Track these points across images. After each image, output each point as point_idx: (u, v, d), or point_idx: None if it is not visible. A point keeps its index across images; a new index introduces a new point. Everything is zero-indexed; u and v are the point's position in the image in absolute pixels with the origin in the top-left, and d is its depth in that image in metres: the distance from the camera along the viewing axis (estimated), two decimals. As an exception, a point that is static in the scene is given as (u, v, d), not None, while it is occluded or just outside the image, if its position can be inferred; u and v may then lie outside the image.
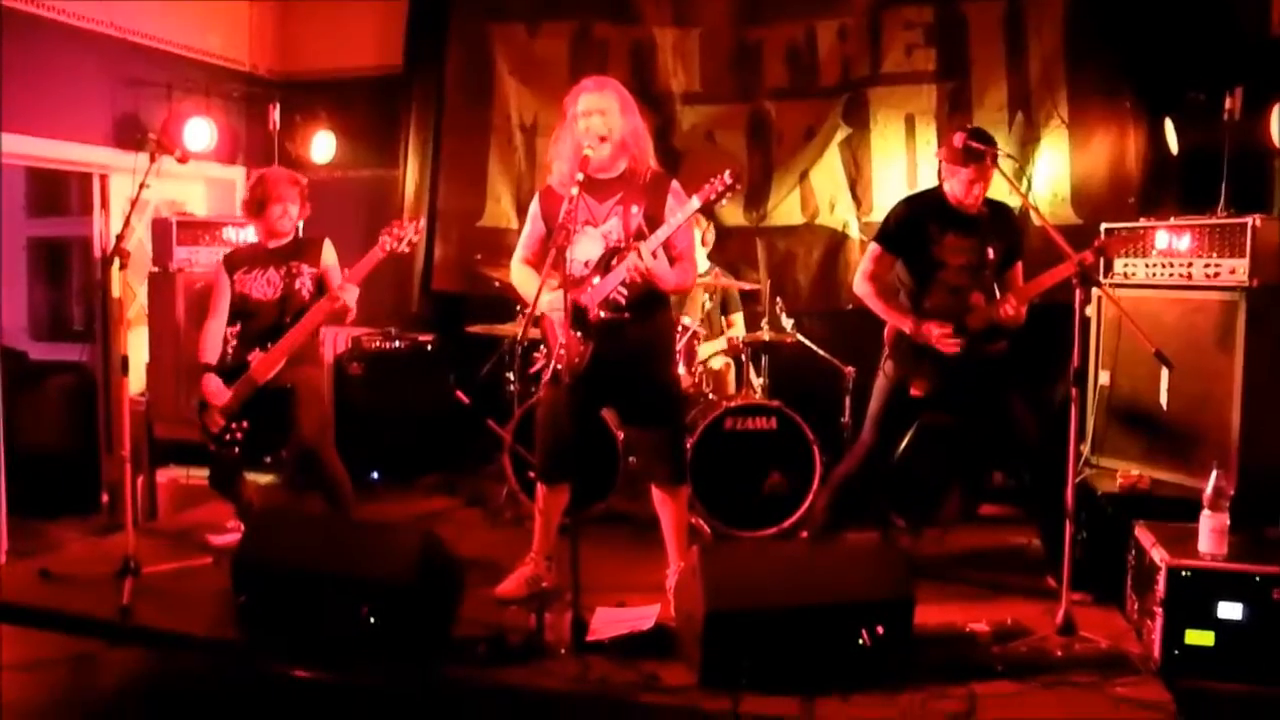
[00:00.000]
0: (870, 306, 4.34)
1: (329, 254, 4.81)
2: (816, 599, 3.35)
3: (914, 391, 4.24)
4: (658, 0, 6.41)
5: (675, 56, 6.40)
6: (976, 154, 4.08)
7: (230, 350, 4.69)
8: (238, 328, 4.71)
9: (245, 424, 4.59)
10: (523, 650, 3.54)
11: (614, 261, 3.81)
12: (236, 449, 4.63)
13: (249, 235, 5.89)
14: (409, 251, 4.61)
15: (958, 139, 4.12)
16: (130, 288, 6.14)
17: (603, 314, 3.81)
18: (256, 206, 4.71)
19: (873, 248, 4.38)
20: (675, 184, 3.96)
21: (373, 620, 3.47)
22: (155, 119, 6.15)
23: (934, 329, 4.15)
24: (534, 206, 4.10)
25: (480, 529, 5.27)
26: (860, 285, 4.35)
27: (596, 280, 3.85)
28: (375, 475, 5.97)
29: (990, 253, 4.18)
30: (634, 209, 3.83)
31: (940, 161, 4.31)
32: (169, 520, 5.62)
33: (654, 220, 3.83)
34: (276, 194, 4.68)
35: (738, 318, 5.85)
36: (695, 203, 3.74)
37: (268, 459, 5.38)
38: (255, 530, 3.91)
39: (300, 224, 4.88)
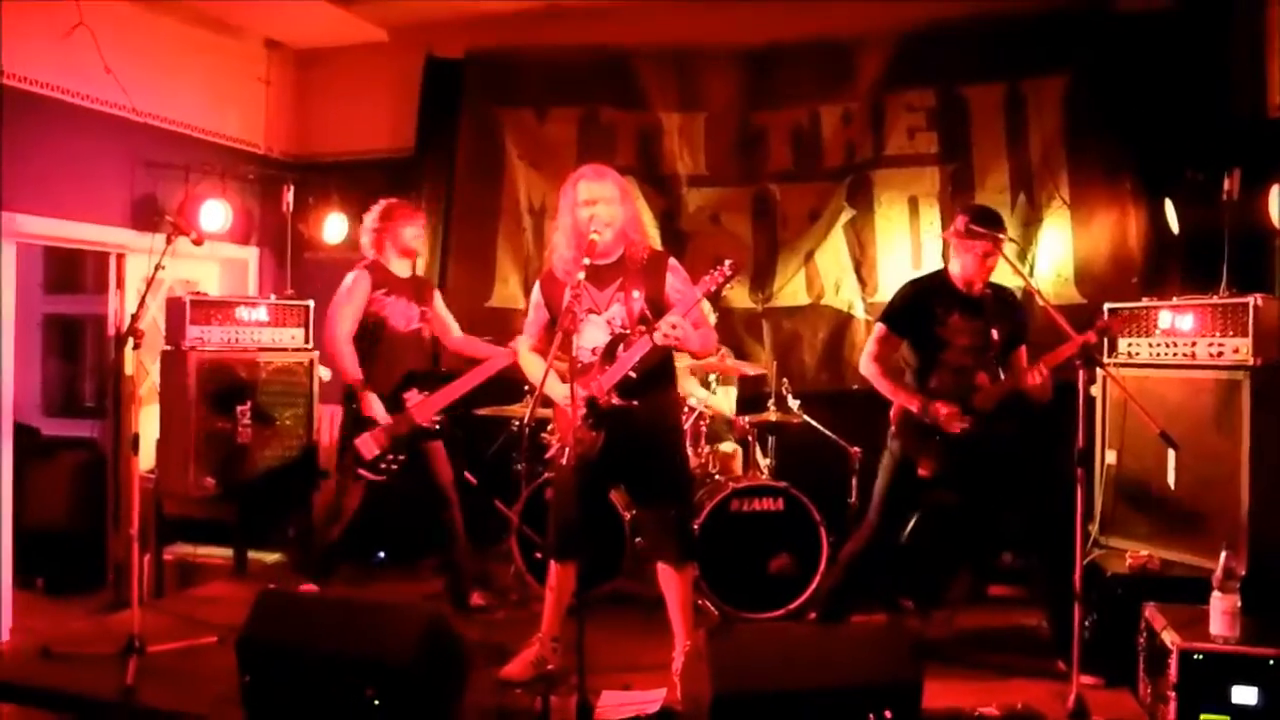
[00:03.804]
0: (876, 386, 4.37)
1: (440, 301, 5.08)
2: (824, 682, 3.31)
3: (921, 472, 4.25)
4: (664, 85, 6.53)
5: (681, 140, 6.52)
6: (992, 225, 4.14)
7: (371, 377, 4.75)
8: (365, 351, 4.77)
9: (402, 456, 4.72)
10: (528, 734, 3.51)
11: (620, 349, 3.85)
12: (387, 478, 4.72)
13: (261, 315, 5.96)
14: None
15: (961, 220, 4.20)
16: (143, 365, 6.19)
17: (614, 400, 3.84)
18: (392, 226, 4.85)
19: (878, 328, 4.43)
20: (672, 260, 4.01)
21: (377, 702, 3.44)
22: (172, 200, 6.28)
23: (941, 409, 4.17)
24: (536, 294, 4.15)
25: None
26: (866, 365, 4.38)
27: (605, 369, 3.88)
28: (382, 555, 5.96)
29: (994, 334, 4.23)
30: (635, 294, 3.88)
31: (949, 241, 4.37)
32: (175, 598, 5.60)
33: (655, 302, 3.88)
34: (406, 216, 4.88)
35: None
36: (698, 293, 3.78)
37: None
38: (261, 609, 3.89)
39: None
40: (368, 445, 4.67)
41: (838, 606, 4.48)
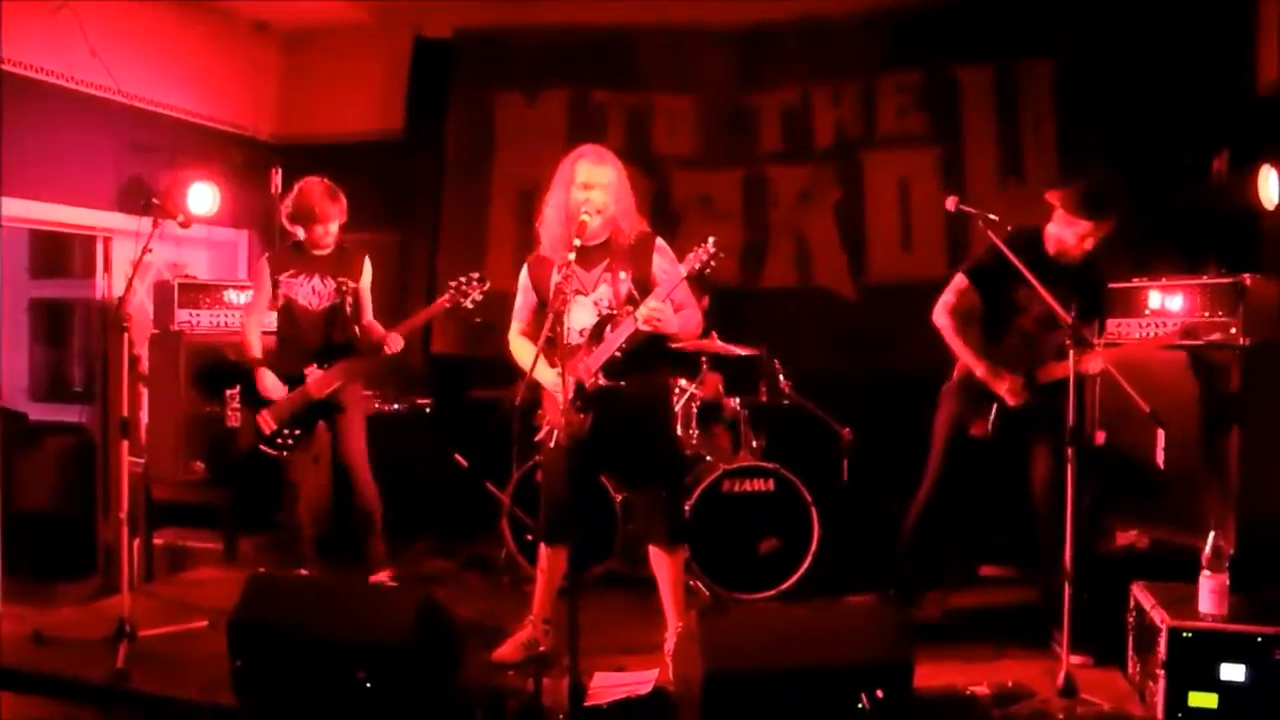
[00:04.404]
0: (946, 340, 4.28)
1: (367, 274, 5.02)
2: (815, 662, 3.32)
3: (973, 431, 4.24)
4: (654, 66, 6.52)
5: (672, 121, 6.50)
6: (1102, 210, 4.03)
7: (277, 355, 4.89)
8: (281, 331, 4.91)
9: (298, 431, 4.81)
10: (521, 716, 3.51)
11: (607, 329, 3.84)
12: (285, 452, 4.81)
13: (249, 297, 5.92)
14: (472, 308, 4.78)
15: (1072, 193, 4.07)
16: (132, 349, 6.15)
17: (601, 381, 3.83)
18: (301, 221, 4.85)
19: (958, 279, 4.31)
20: (660, 241, 4.00)
21: (369, 685, 3.45)
22: (159, 183, 6.23)
23: (1004, 382, 4.12)
24: (523, 277, 4.13)
25: (478, 592, 5.24)
26: (940, 317, 4.28)
27: (593, 350, 3.87)
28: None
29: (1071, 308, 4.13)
30: (622, 275, 3.87)
31: (1056, 207, 4.15)
32: (166, 583, 5.58)
33: (642, 282, 3.87)
34: (321, 212, 4.82)
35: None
36: (681, 271, 3.77)
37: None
38: (252, 593, 3.89)
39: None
40: (265, 420, 4.78)
41: (916, 578, 4.49)
